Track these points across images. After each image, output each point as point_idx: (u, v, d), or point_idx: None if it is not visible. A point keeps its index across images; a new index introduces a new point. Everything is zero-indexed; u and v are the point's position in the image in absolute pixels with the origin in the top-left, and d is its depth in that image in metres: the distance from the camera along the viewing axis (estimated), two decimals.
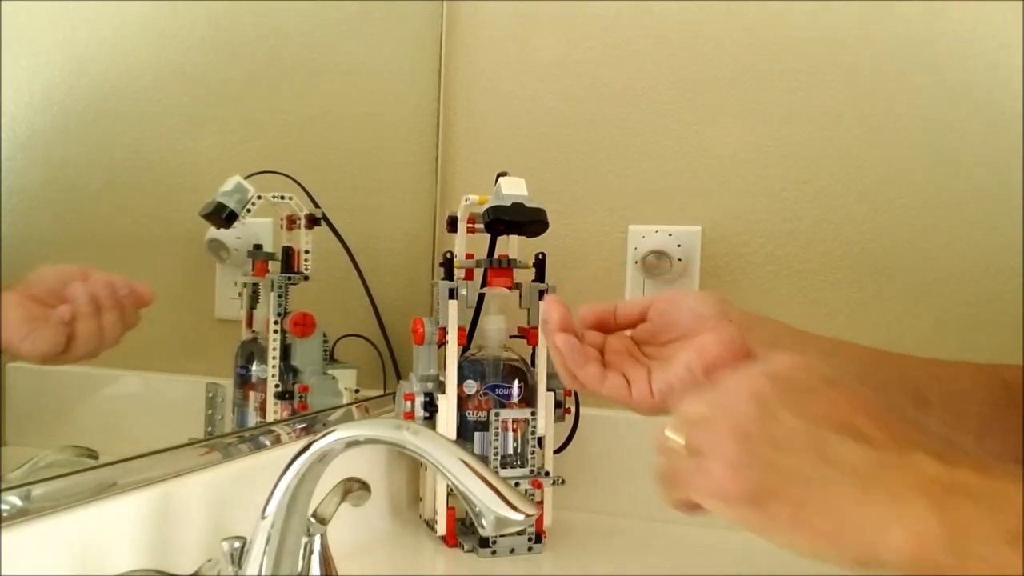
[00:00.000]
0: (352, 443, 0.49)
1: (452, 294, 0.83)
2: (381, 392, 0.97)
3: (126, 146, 0.66)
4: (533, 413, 0.84)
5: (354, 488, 0.57)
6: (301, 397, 0.84)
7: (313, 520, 0.55)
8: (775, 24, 0.95)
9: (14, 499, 0.51)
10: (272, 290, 0.81)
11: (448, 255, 0.85)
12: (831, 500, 0.38)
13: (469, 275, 0.88)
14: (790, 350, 0.44)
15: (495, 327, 0.86)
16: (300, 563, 0.54)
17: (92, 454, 0.59)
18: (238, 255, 0.80)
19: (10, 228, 0.55)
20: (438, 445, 0.47)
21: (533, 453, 0.84)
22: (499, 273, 0.84)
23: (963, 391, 0.57)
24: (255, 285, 0.82)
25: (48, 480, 0.54)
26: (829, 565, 0.38)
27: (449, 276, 0.85)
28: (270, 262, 0.83)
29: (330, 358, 0.88)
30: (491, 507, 0.45)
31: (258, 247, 0.82)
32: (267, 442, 0.77)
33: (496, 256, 0.86)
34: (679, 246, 0.97)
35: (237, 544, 0.53)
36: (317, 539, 0.56)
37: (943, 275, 0.91)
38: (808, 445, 0.38)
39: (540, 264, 0.87)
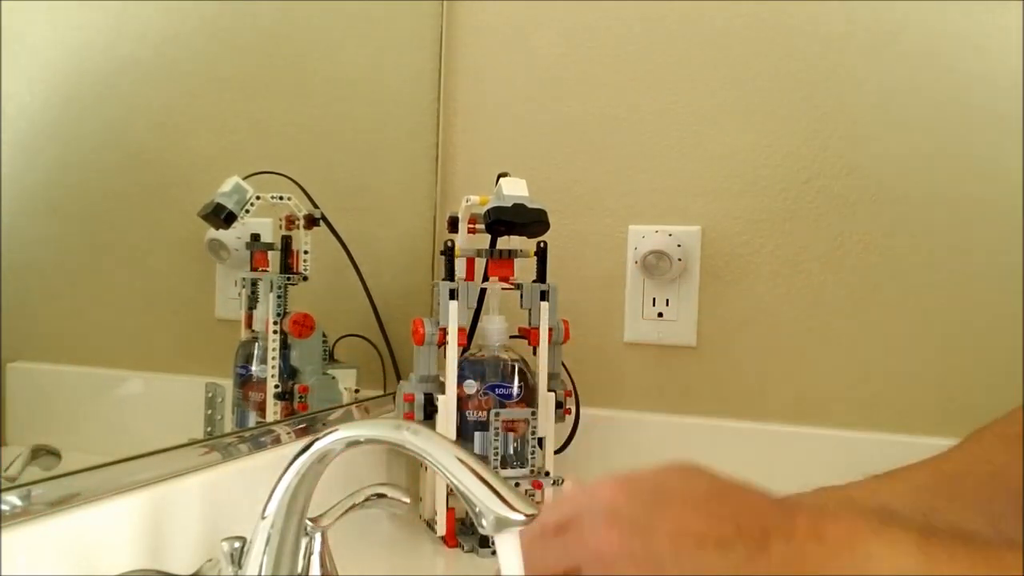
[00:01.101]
0: (352, 443, 0.49)
1: (453, 294, 0.83)
2: (381, 392, 0.97)
3: (126, 146, 0.66)
4: (533, 413, 0.84)
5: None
6: (301, 397, 0.84)
7: (310, 523, 0.55)
8: (775, 24, 0.95)
9: (14, 499, 0.51)
10: (271, 290, 0.81)
11: (449, 243, 0.85)
12: None
13: (470, 275, 0.88)
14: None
15: (495, 327, 0.86)
16: (300, 563, 0.54)
17: (54, 452, 0.59)
18: (238, 255, 0.80)
19: (10, 228, 0.55)
20: (438, 445, 0.47)
21: (533, 453, 0.84)
22: (500, 263, 0.84)
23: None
24: (254, 283, 0.82)
25: (48, 480, 0.54)
26: None
27: (450, 270, 0.85)
28: (269, 253, 0.82)
29: (330, 358, 0.88)
30: (491, 507, 0.45)
31: (256, 237, 0.81)
32: (267, 442, 0.77)
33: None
34: (679, 246, 0.97)
35: (237, 544, 0.53)
36: (317, 539, 0.56)
37: (944, 275, 0.91)
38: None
39: (542, 253, 0.87)
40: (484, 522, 0.45)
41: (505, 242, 0.87)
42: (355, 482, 0.61)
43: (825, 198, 0.94)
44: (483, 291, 0.88)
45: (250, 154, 0.81)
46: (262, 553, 0.51)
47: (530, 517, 0.45)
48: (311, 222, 0.85)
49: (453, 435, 0.83)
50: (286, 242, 0.83)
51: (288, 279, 0.82)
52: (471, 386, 0.84)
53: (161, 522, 0.59)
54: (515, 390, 0.85)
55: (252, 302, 0.82)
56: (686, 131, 0.99)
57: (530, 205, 0.81)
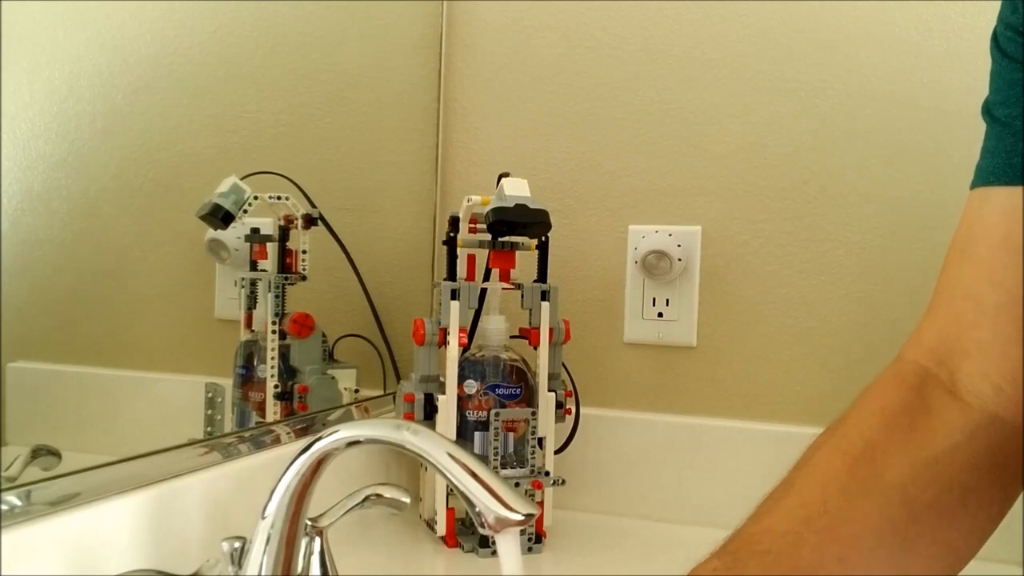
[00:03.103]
0: (353, 443, 0.49)
1: (455, 294, 0.83)
2: (381, 392, 0.97)
3: (126, 146, 0.66)
4: (533, 413, 0.84)
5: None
6: (300, 397, 0.84)
7: (310, 522, 0.55)
8: (775, 24, 0.95)
9: (14, 499, 0.51)
10: (269, 290, 0.81)
11: (451, 233, 0.85)
12: None
13: (471, 275, 0.88)
14: None
15: (496, 327, 0.86)
16: (300, 563, 0.54)
17: (54, 452, 0.59)
18: (238, 255, 0.80)
19: (10, 228, 0.55)
20: (438, 445, 0.47)
21: (533, 453, 0.84)
22: (502, 255, 0.84)
23: None
24: (253, 283, 0.82)
25: (48, 480, 0.54)
26: None
27: (452, 264, 0.84)
28: (268, 245, 0.82)
29: (330, 358, 0.88)
30: (491, 507, 0.45)
31: (255, 230, 0.81)
32: (267, 442, 0.77)
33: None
34: (679, 246, 0.97)
35: (237, 544, 0.53)
36: (317, 539, 0.56)
37: None
38: None
39: (543, 246, 0.87)
40: (484, 522, 0.45)
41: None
42: (355, 482, 0.61)
43: (824, 198, 0.94)
44: (484, 291, 0.88)
45: (250, 154, 0.81)
46: (262, 553, 0.51)
47: (529, 517, 0.45)
48: (309, 222, 0.85)
49: (453, 435, 0.83)
50: (284, 233, 0.83)
51: (286, 279, 0.82)
52: (471, 386, 0.84)
53: (161, 522, 0.59)
54: (515, 390, 0.85)
55: (251, 302, 0.81)
56: (686, 131, 0.99)
57: (532, 205, 0.81)
